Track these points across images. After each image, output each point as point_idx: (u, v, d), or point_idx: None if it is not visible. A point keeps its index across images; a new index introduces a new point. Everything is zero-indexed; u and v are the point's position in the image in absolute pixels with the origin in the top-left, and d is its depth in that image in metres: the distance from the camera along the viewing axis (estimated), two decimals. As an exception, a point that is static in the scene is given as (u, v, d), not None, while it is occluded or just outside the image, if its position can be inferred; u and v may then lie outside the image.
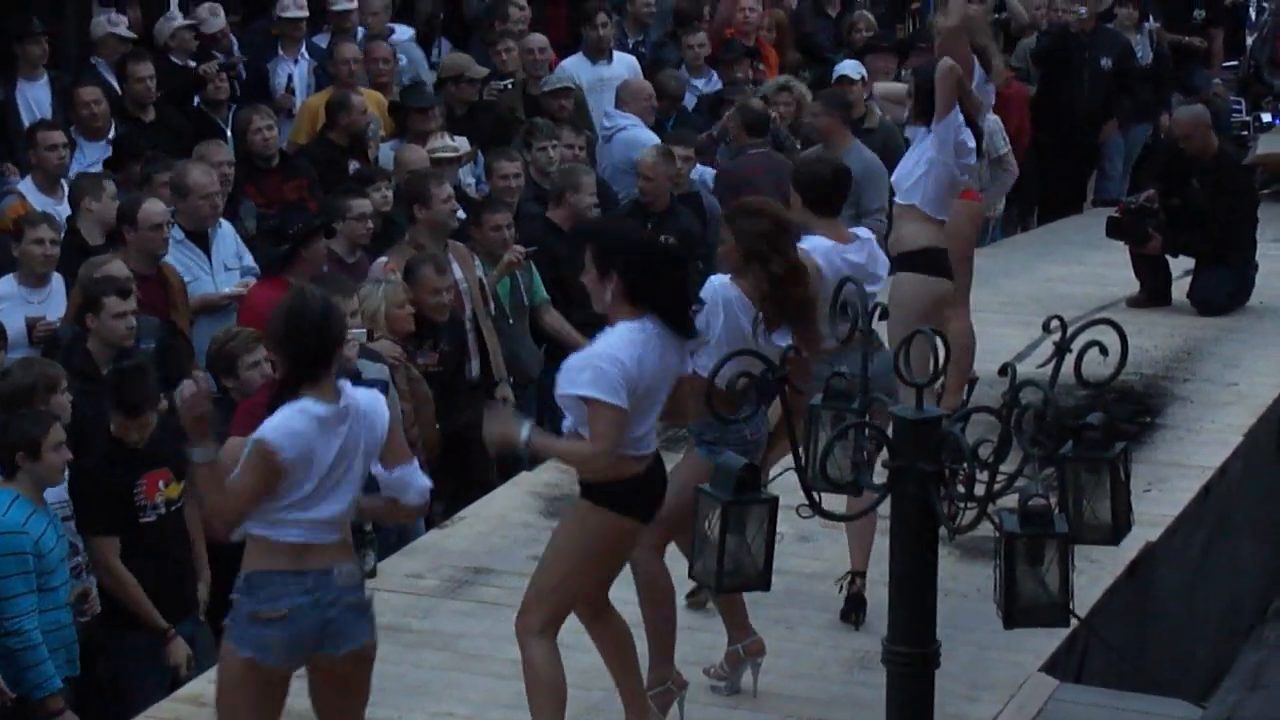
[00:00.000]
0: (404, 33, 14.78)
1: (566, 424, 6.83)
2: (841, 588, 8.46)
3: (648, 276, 6.83)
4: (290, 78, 13.86)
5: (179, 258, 10.52)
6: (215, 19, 13.93)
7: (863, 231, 8.52)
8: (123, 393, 8.47)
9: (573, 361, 6.81)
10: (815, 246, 8.01)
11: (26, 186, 11.19)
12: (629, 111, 13.74)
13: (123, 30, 13.12)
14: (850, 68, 14.40)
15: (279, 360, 6.47)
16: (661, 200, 12.14)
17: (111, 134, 12.02)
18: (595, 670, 7.77)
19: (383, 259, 10.46)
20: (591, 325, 11.47)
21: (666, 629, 7.49)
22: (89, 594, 8.29)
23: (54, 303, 9.95)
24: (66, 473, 8.21)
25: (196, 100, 13.04)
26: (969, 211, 10.46)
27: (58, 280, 10.04)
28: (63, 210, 10.86)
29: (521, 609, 6.97)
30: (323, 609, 6.27)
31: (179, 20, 13.66)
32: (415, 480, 6.52)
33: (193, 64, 13.33)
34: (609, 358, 6.71)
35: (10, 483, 8.02)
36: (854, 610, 8.44)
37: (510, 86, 13.99)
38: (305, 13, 14.02)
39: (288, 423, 6.21)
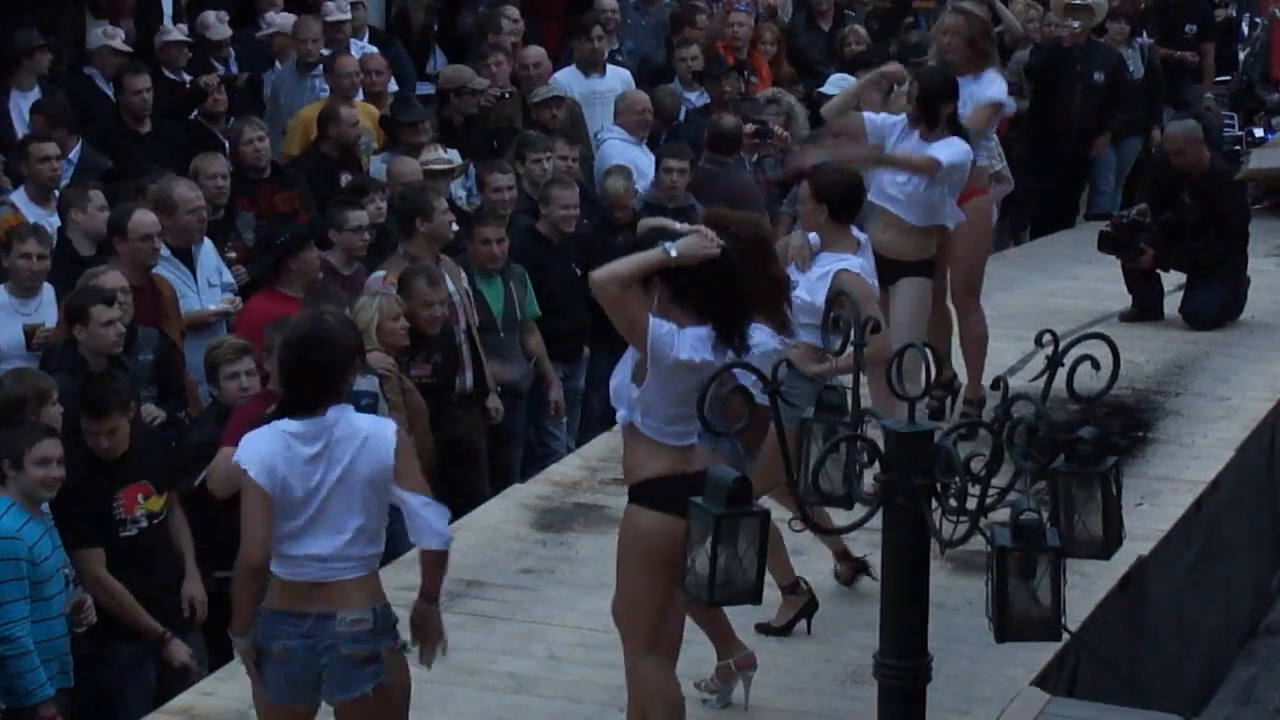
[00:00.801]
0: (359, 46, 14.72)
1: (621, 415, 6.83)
2: (839, 574, 8.71)
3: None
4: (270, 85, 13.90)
5: (164, 275, 10.52)
6: (220, 26, 13.93)
7: (860, 234, 8.72)
8: (89, 394, 8.48)
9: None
10: (854, 264, 8.36)
11: (19, 197, 11.18)
12: (620, 124, 13.77)
13: (118, 43, 13.11)
14: (832, 84, 14.46)
15: (280, 382, 6.41)
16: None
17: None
18: (585, 682, 7.80)
19: (380, 272, 10.47)
20: (571, 335, 11.71)
21: None
22: (84, 604, 8.26)
23: (45, 313, 9.95)
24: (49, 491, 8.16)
25: (195, 113, 13.04)
26: (981, 205, 10.66)
27: (49, 291, 10.03)
28: (55, 221, 10.86)
29: (622, 637, 7.04)
30: (316, 654, 6.21)
31: (173, 34, 13.66)
32: (427, 520, 6.36)
33: (187, 78, 13.33)
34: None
35: (4, 490, 8.01)
36: (862, 572, 8.73)
37: (509, 95, 13.99)
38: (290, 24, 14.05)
39: (253, 440, 6.17)
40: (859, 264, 8.42)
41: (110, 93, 12.74)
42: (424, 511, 6.35)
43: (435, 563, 6.49)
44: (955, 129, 9.96)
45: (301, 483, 6.18)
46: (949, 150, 9.83)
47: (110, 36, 13.17)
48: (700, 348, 6.59)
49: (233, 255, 11.27)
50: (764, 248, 7.39)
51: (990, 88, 10.51)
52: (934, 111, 9.87)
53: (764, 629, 8.43)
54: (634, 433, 6.82)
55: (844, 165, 9.01)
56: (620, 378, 6.84)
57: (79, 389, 8.61)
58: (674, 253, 6.53)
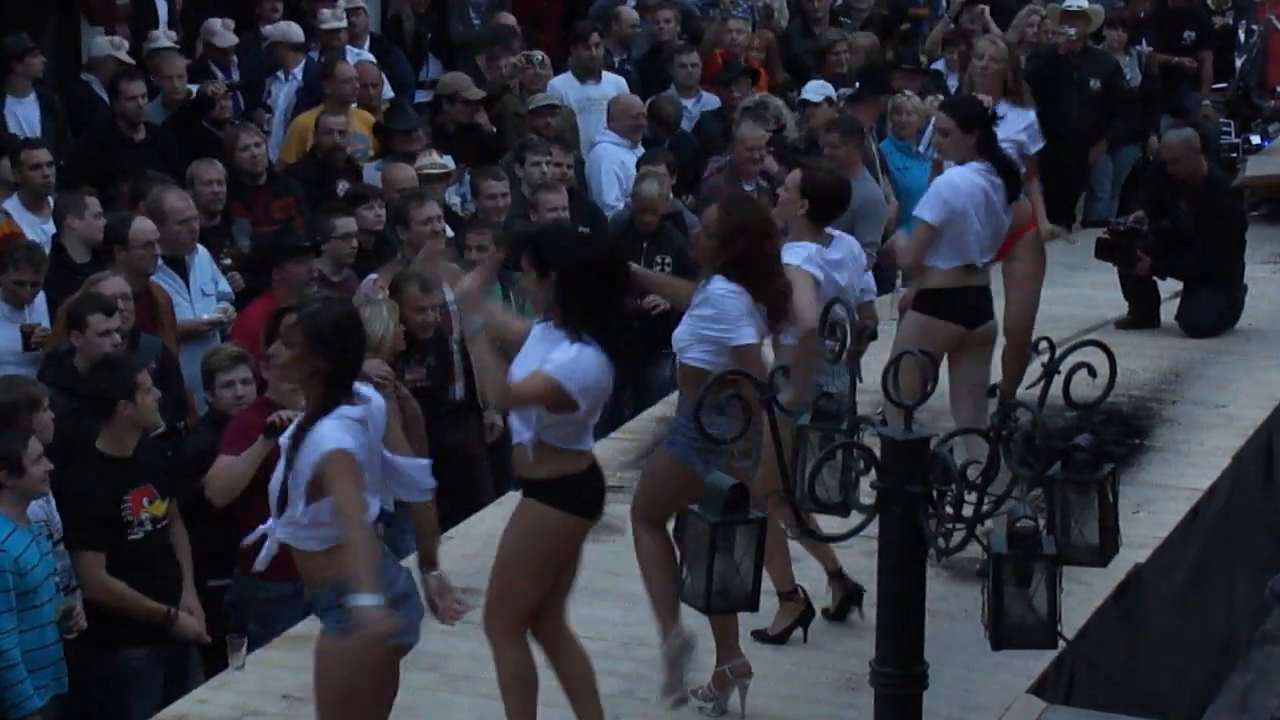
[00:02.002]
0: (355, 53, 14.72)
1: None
2: (830, 593, 8.57)
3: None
4: (268, 94, 13.88)
5: (158, 284, 10.51)
6: (226, 34, 13.94)
7: (843, 235, 8.60)
8: (94, 384, 8.49)
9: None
10: (799, 254, 8.11)
11: (13, 205, 11.17)
12: (613, 129, 13.79)
13: (123, 55, 13.10)
14: (812, 90, 14.47)
15: (322, 366, 6.43)
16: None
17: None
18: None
19: (372, 276, 10.46)
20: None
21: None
22: (73, 610, 8.25)
23: (38, 320, 9.95)
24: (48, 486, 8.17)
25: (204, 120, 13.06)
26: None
27: (42, 299, 10.03)
28: (49, 228, 10.85)
29: (485, 613, 7.17)
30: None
31: (161, 41, 13.65)
32: (414, 475, 6.75)
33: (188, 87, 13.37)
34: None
35: None
36: (855, 604, 8.58)
37: (509, 90, 14.01)
38: (299, 37, 14.06)
39: (340, 431, 6.33)
40: (806, 253, 8.20)
41: (105, 98, 12.75)
42: (412, 469, 6.76)
43: (429, 520, 6.96)
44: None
45: (368, 459, 6.46)
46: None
47: (116, 48, 13.18)
48: (600, 372, 6.93)
49: (228, 262, 11.27)
50: (772, 230, 7.71)
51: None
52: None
53: (760, 636, 8.41)
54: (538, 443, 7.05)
55: (838, 173, 8.97)
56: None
57: (85, 381, 8.58)
58: (469, 331, 7.04)
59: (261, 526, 6.69)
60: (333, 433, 6.34)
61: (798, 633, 8.51)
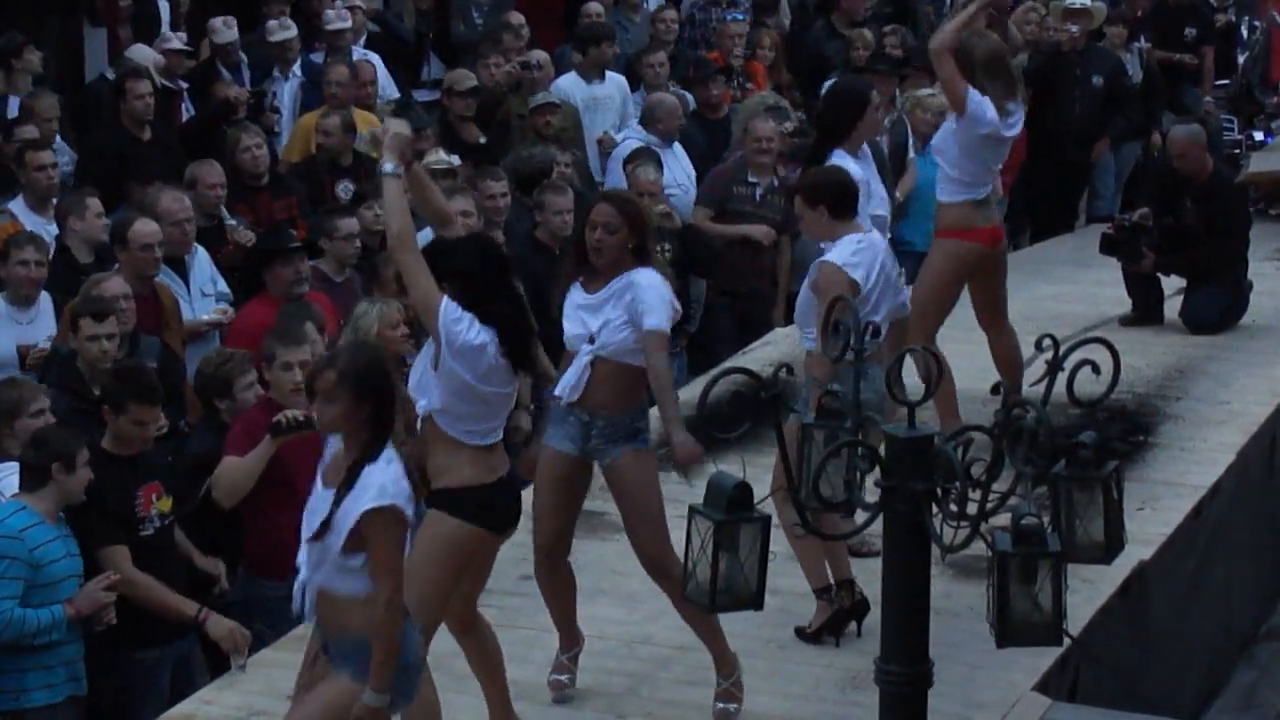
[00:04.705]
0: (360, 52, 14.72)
1: None
2: (837, 605, 8.49)
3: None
4: (273, 95, 13.89)
5: (165, 285, 10.51)
6: (227, 31, 13.94)
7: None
8: (138, 383, 8.46)
9: None
10: (842, 252, 8.30)
11: (18, 206, 11.18)
12: (653, 131, 13.73)
13: (153, 70, 13.07)
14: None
15: (368, 411, 6.37)
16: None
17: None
18: (584, 689, 7.80)
19: None
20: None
21: None
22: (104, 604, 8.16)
23: (42, 322, 9.96)
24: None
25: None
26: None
27: (46, 300, 10.04)
28: (53, 229, 10.86)
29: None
30: None
31: (173, 42, 13.66)
32: None
33: (184, 85, 13.36)
34: None
35: (27, 495, 8.02)
36: (856, 620, 8.51)
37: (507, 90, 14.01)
38: (292, 33, 14.04)
39: (399, 483, 6.32)
40: (852, 248, 8.31)
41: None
42: None
43: None
44: None
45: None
46: None
47: (145, 59, 13.17)
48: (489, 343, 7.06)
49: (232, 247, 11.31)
50: (641, 215, 7.89)
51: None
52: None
53: (800, 634, 8.50)
54: (434, 427, 7.16)
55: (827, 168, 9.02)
56: (421, 366, 7.19)
57: (114, 379, 8.60)
58: (383, 171, 7.15)
59: (299, 579, 6.57)
60: (385, 483, 6.29)
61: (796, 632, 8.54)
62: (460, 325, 7.02)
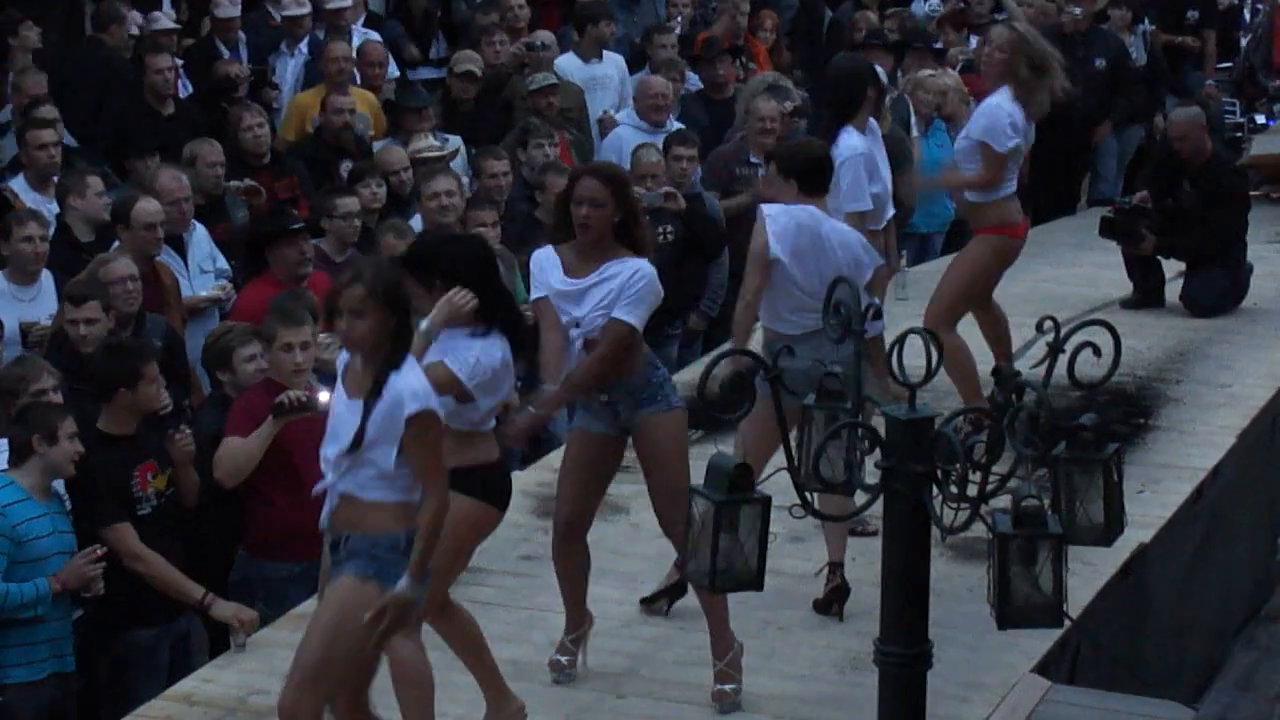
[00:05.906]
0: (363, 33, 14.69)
1: None
2: (823, 576, 8.52)
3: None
4: (273, 70, 13.89)
5: (165, 263, 10.50)
6: (229, 6, 13.92)
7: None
8: (97, 368, 8.49)
9: None
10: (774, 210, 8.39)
11: (19, 184, 11.17)
12: (637, 109, 13.72)
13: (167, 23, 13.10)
14: None
15: (394, 324, 6.42)
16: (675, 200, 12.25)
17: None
18: (584, 669, 7.79)
19: None
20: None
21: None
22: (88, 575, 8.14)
23: (44, 300, 9.95)
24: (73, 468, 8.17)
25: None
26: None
27: (47, 278, 10.03)
28: (54, 208, 10.85)
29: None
30: None
31: (165, 23, 13.65)
32: None
33: (179, 62, 13.36)
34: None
35: (14, 471, 8.01)
36: (836, 601, 8.49)
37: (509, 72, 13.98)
38: (306, 10, 14.05)
39: (426, 384, 6.46)
40: (787, 212, 8.41)
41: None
42: None
43: None
44: None
45: None
46: None
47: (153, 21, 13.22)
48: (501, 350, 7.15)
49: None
50: (626, 185, 7.80)
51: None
52: None
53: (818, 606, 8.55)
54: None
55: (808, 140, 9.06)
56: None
57: (95, 364, 8.61)
58: (424, 325, 6.99)
59: (322, 483, 6.56)
60: (416, 388, 6.36)
61: (799, 612, 8.52)
62: (479, 364, 7.08)
